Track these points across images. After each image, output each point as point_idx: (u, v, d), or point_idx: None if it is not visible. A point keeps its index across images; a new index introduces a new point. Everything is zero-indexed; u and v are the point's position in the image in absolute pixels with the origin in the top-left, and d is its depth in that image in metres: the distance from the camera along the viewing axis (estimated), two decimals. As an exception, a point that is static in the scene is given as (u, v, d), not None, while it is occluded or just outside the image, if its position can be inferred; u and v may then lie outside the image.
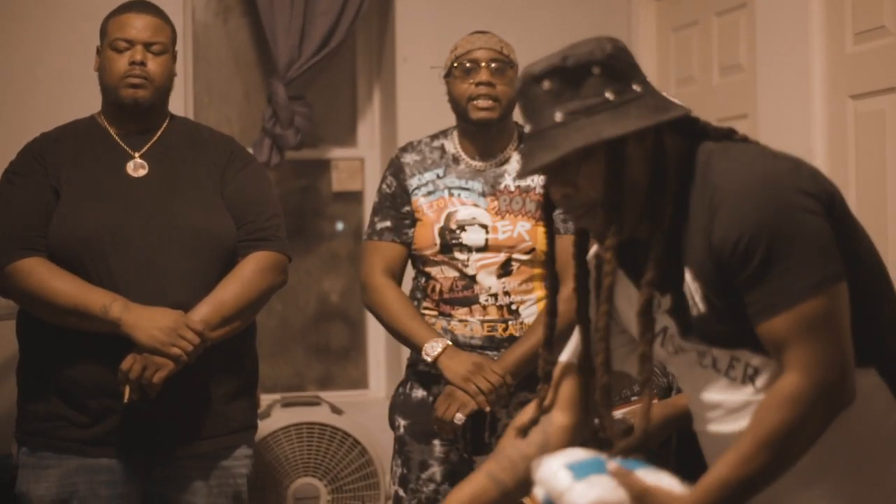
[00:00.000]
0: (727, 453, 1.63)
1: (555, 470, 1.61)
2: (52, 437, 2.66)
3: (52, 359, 2.65)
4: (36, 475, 2.67)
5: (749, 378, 1.70)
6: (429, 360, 2.74)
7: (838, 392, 1.62)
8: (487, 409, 2.70)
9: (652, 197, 1.71)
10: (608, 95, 1.67)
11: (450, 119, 2.99)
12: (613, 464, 1.61)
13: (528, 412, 1.93)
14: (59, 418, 2.66)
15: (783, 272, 1.60)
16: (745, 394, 1.71)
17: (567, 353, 1.90)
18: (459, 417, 2.71)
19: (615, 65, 1.69)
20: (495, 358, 2.77)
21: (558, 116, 1.66)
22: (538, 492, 1.63)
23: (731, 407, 1.73)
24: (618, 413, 2.62)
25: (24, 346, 2.74)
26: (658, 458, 2.30)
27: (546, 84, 1.67)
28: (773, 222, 1.61)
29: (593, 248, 1.85)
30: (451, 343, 2.75)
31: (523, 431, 1.88)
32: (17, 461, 2.74)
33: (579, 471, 1.60)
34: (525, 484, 1.89)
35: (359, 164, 4.61)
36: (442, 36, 4.16)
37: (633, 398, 2.78)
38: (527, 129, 1.71)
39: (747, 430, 1.63)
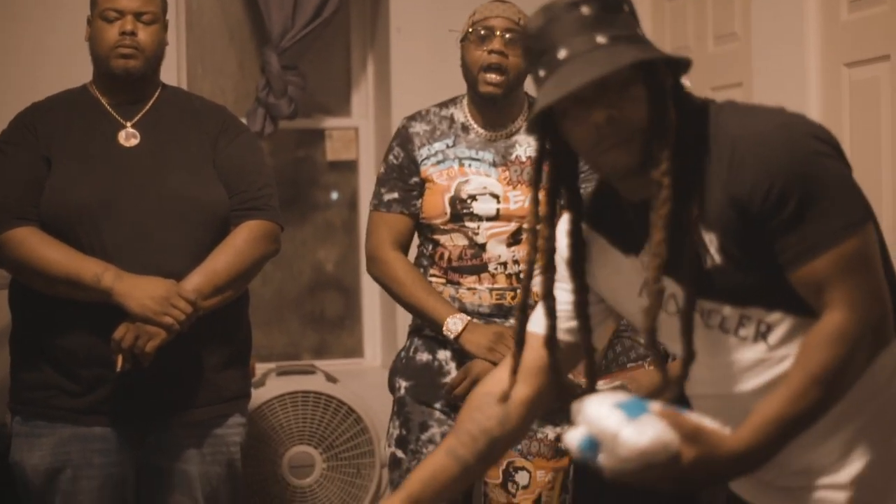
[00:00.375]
0: (776, 392, 1.62)
1: (605, 411, 1.54)
2: (45, 407, 2.67)
3: (44, 328, 2.66)
4: (29, 444, 2.68)
5: (762, 335, 1.71)
6: (451, 336, 2.75)
7: (882, 327, 1.65)
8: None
9: (679, 137, 1.69)
10: (638, 31, 1.69)
11: (443, 88, 2.98)
12: (658, 405, 1.57)
13: (495, 379, 1.91)
14: (51, 387, 2.66)
15: (819, 215, 1.62)
16: (756, 352, 1.72)
17: (531, 325, 1.87)
18: None
19: (635, 11, 1.72)
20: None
21: (601, 39, 1.65)
22: (575, 435, 1.55)
23: (743, 366, 1.73)
24: (616, 381, 2.63)
25: (16, 316, 2.75)
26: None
27: (585, 9, 1.66)
28: (803, 168, 1.62)
29: (563, 224, 1.83)
30: (470, 318, 2.76)
31: (504, 399, 1.87)
32: (11, 430, 2.75)
33: (631, 411, 1.53)
34: (486, 458, 1.88)
35: (353, 134, 4.59)
36: (435, 6, 4.17)
37: (630, 365, 2.79)
38: (561, 54, 1.65)
39: (795, 369, 1.63)
